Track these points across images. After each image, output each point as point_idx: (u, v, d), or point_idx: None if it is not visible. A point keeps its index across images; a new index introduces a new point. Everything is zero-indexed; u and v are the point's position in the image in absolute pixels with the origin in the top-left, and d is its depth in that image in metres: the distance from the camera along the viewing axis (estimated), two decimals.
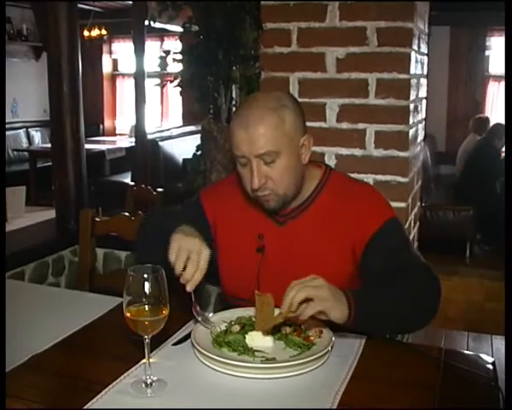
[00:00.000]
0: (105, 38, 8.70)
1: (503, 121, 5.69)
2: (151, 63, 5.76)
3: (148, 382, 1.24)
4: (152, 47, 7.75)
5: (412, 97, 2.32)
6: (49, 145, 3.95)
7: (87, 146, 4.03)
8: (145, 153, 6.01)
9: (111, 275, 2.66)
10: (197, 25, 2.85)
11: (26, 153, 7.49)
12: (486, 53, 7.45)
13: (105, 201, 4.23)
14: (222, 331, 1.45)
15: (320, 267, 1.58)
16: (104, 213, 3.02)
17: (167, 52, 3.03)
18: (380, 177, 2.32)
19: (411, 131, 2.35)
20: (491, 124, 6.20)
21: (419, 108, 2.55)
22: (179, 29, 3.08)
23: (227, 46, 2.73)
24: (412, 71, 2.29)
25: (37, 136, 8.58)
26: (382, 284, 1.49)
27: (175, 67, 2.96)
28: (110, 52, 9.46)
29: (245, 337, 1.39)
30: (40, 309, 1.72)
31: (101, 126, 9.37)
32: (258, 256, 1.64)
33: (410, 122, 2.32)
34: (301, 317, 1.31)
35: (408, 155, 2.31)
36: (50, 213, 3.56)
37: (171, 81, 2.98)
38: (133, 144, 6.54)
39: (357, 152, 2.34)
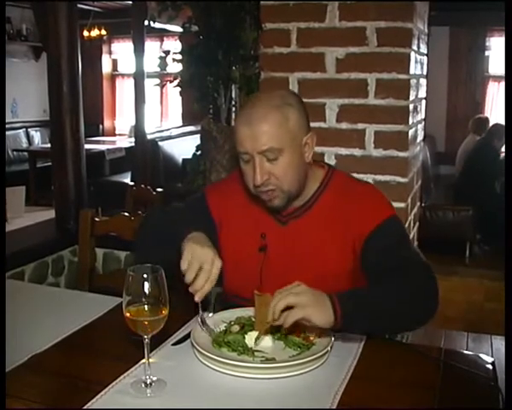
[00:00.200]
0: (105, 38, 8.71)
1: (502, 121, 5.70)
2: (151, 63, 5.76)
3: (148, 382, 1.24)
4: (152, 47, 7.75)
5: (412, 98, 2.32)
6: (49, 145, 3.96)
7: (87, 146, 4.03)
8: (145, 153, 6.01)
9: (110, 275, 2.66)
10: (197, 25, 2.85)
11: (25, 153, 7.48)
12: (486, 53, 7.45)
13: (105, 201, 4.24)
14: (221, 331, 1.45)
15: (322, 267, 1.58)
16: (104, 213, 3.03)
17: (167, 52, 3.03)
18: (379, 177, 2.32)
19: (411, 132, 2.36)
20: (491, 124, 6.20)
21: (418, 109, 2.55)
22: (179, 29, 3.08)
23: (227, 46, 2.73)
24: (412, 71, 2.29)
25: (36, 136, 8.58)
26: (376, 284, 1.49)
27: (175, 68, 2.96)
28: (110, 52, 9.46)
29: (244, 337, 1.39)
30: (40, 309, 1.72)
31: (100, 126, 9.37)
32: (261, 256, 1.64)
33: (410, 122, 2.32)
34: (284, 325, 1.31)
35: (407, 155, 2.31)
36: (50, 214, 3.57)
37: (171, 81, 2.98)
38: (133, 144, 6.54)
39: (357, 152, 2.34)
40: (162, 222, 1.70)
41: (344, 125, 2.35)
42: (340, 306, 1.31)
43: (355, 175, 1.80)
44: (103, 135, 9.16)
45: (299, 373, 1.28)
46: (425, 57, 2.63)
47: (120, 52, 9.40)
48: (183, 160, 5.56)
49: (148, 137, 6.17)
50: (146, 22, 3.82)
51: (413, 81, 2.33)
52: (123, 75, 9.46)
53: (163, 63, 3.04)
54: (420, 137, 2.65)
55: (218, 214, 1.72)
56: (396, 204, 2.19)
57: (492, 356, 1.49)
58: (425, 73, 2.67)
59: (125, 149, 7.53)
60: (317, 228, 1.61)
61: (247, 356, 1.33)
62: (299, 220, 1.63)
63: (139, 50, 5.88)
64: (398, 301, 1.41)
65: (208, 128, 2.79)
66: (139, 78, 5.96)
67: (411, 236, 2.55)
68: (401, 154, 2.30)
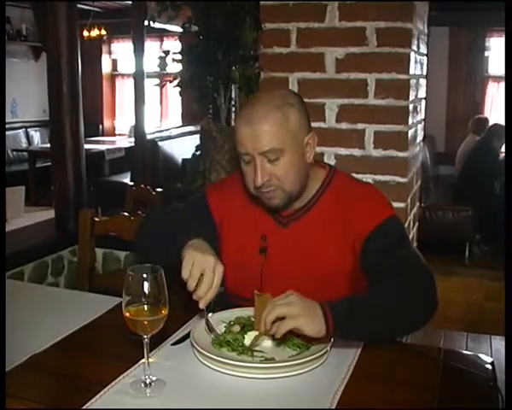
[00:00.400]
0: (104, 38, 8.71)
1: (502, 122, 5.70)
2: (150, 63, 5.77)
3: (148, 382, 1.24)
4: (151, 47, 7.75)
5: (411, 98, 2.32)
6: (49, 145, 3.95)
7: (86, 146, 4.03)
8: (144, 153, 6.01)
9: (110, 275, 2.66)
10: (197, 25, 2.86)
11: (25, 153, 7.49)
12: (486, 53, 7.45)
13: (104, 201, 4.24)
14: (222, 332, 1.45)
15: (323, 268, 1.58)
16: (103, 213, 3.03)
17: (167, 52, 3.03)
18: (379, 177, 2.32)
19: (410, 132, 2.36)
20: (490, 124, 6.20)
21: (418, 109, 2.55)
22: (179, 29, 3.09)
23: (226, 46, 2.73)
24: (411, 71, 2.29)
25: (36, 136, 8.58)
26: (375, 285, 1.48)
27: (174, 68, 2.96)
28: (109, 52, 9.46)
29: (244, 337, 1.39)
30: (39, 309, 1.72)
31: (100, 127, 9.38)
32: (261, 257, 1.63)
33: (410, 122, 2.33)
34: (276, 335, 1.30)
35: (407, 155, 2.31)
36: (50, 213, 3.57)
37: (171, 81, 2.98)
38: (132, 144, 6.54)
39: (357, 152, 2.34)
40: (162, 222, 1.69)
41: (344, 126, 2.35)
42: (331, 314, 1.30)
43: (355, 175, 1.80)
44: (103, 135, 9.16)
45: (298, 373, 1.28)
46: (425, 57, 2.63)
47: (120, 52, 9.40)
48: (183, 160, 5.56)
49: (148, 137, 6.17)
50: (146, 22, 3.83)
51: (413, 81, 2.34)
52: (123, 75, 9.47)
53: (163, 63, 3.04)
54: (419, 138, 2.65)
55: (218, 214, 1.72)
56: (395, 204, 2.19)
57: (492, 356, 1.49)
58: (425, 73, 2.67)
59: (125, 149, 7.54)
60: (318, 229, 1.61)
61: (247, 356, 1.33)
62: (299, 222, 1.62)
63: (139, 50, 5.88)
64: (397, 303, 1.40)
65: (208, 128, 2.80)
66: (139, 78, 5.96)
67: (411, 236, 2.55)
68: (401, 154, 2.30)
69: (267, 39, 2.43)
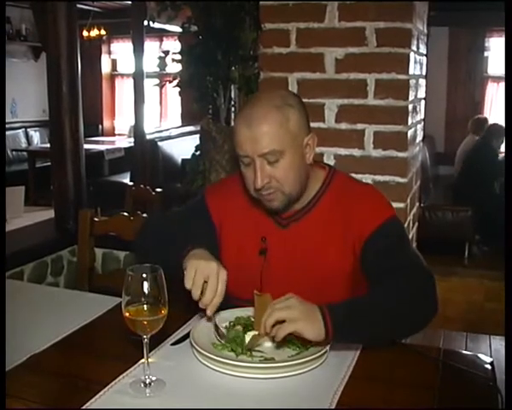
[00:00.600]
0: (104, 38, 8.71)
1: (501, 122, 5.71)
2: (150, 63, 5.77)
3: (147, 382, 1.24)
4: (151, 47, 7.75)
5: (411, 98, 2.33)
6: (48, 145, 3.96)
7: (86, 146, 4.03)
8: (144, 153, 6.01)
9: (110, 275, 2.66)
10: (196, 25, 2.85)
11: (24, 153, 7.50)
12: (485, 54, 7.46)
13: (104, 201, 4.24)
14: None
15: (323, 269, 1.58)
16: (103, 213, 3.03)
17: (166, 52, 3.03)
18: (378, 177, 2.32)
19: (410, 132, 2.36)
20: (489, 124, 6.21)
21: (418, 109, 2.55)
22: (178, 29, 3.08)
23: (226, 46, 2.73)
24: (411, 71, 2.29)
25: (35, 136, 8.58)
26: (375, 287, 1.48)
27: (174, 68, 2.96)
28: (109, 52, 9.46)
29: (245, 337, 1.39)
30: (39, 309, 1.72)
31: (100, 127, 9.38)
32: (261, 259, 1.63)
33: (409, 123, 2.33)
34: (275, 339, 1.30)
35: (407, 155, 2.31)
36: (49, 213, 3.57)
37: (170, 81, 2.98)
38: (132, 144, 6.54)
39: (356, 152, 2.34)
40: (162, 228, 1.69)
41: (343, 126, 2.35)
42: (330, 318, 1.29)
43: (354, 175, 1.80)
44: (102, 135, 9.17)
45: (298, 373, 1.28)
46: (424, 58, 2.63)
47: (120, 52, 9.40)
48: (183, 160, 5.56)
49: (148, 137, 6.17)
50: (145, 22, 3.83)
51: (412, 81, 2.34)
52: (122, 75, 9.47)
53: (162, 63, 3.04)
54: (419, 138, 2.66)
55: (218, 216, 1.71)
56: (395, 204, 2.19)
57: (491, 356, 1.49)
58: (424, 73, 2.67)
59: (125, 149, 7.54)
60: (318, 230, 1.60)
61: (246, 356, 1.33)
62: (299, 223, 1.62)
63: (138, 50, 5.88)
64: (397, 304, 1.39)
65: (207, 128, 2.79)
66: (138, 78, 5.96)
67: (410, 236, 2.55)
68: (400, 154, 2.30)
69: (267, 39, 2.43)
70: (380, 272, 1.50)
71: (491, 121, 6.33)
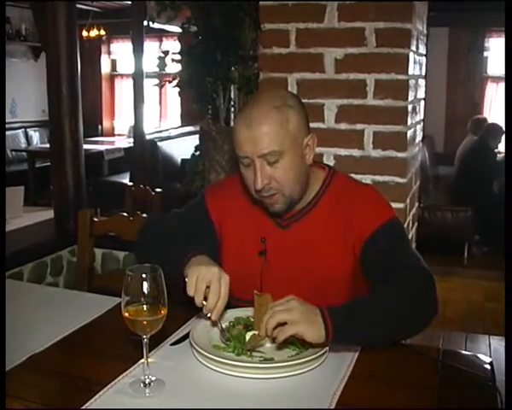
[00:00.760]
0: (104, 38, 8.72)
1: (500, 122, 5.71)
2: (150, 64, 5.77)
3: (147, 382, 1.24)
4: (151, 47, 7.75)
5: (410, 98, 2.33)
6: (48, 145, 3.96)
7: (86, 146, 4.03)
8: (144, 153, 6.01)
9: (109, 275, 2.67)
10: (196, 25, 2.86)
11: (24, 153, 7.50)
12: (485, 54, 7.46)
13: (103, 201, 4.24)
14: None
15: (323, 270, 1.57)
16: (103, 213, 3.02)
17: (166, 52, 3.03)
18: (378, 177, 2.32)
19: (409, 132, 2.36)
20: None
21: (417, 109, 2.55)
22: (178, 29, 3.08)
23: (226, 47, 2.73)
24: (410, 72, 2.29)
25: (35, 136, 8.59)
26: (375, 288, 1.48)
27: (174, 68, 2.96)
28: (109, 52, 9.47)
29: (245, 337, 1.39)
30: (39, 309, 1.72)
31: (99, 127, 9.38)
32: (261, 260, 1.63)
33: (409, 123, 2.33)
34: (276, 341, 1.30)
35: (406, 155, 2.31)
36: (49, 214, 3.57)
37: (170, 81, 2.98)
38: (132, 145, 6.55)
39: (356, 153, 2.34)
40: (162, 230, 1.69)
41: (343, 126, 2.35)
42: (330, 320, 1.29)
43: (354, 176, 1.80)
44: (102, 135, 9.17)
45: (297, 373, 1.28)
46: (424, 58, 2.64)
47: (119, 52, 9.41)
48: (182, 160, 5.56)
49: (147, 137, 6.18)
50: (145, 22, 3.84)
51: (412, 82, 2.34)
52: (122, 75, 9.47)
53: (162, 63, 3.04)
54: (418, 138, 2.66)
55: (217, 217, 1.71)
56: (395, 205, 2.19)
57: (490, 356, 1.49)
58: (424, 73, 2.67)
59: (124, 149, 7.55)
60: (318, 231, 1.60)
61: (246, 356, 1.33)
62: (299, 224, 1.62)
63: (138, 51, 5.89)
64: (397, 305, 1.39)
65: (207, 128, 2.80)
66: (138, 78, 5.97)
67: (410, 236, 2.55)
68: (400, 154, 2.30)
69: (266, 40, 2.43)
70: (380, 273, 1.50)
71: (490, 121, 6.33)
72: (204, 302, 1.39)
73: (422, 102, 2.69)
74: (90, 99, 8.48)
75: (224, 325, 1.44)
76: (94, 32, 8.22)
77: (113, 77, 9.57)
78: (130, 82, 6.79)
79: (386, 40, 2.25)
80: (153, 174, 5.91)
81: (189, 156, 3.16)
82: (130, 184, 5.20)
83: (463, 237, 5.39)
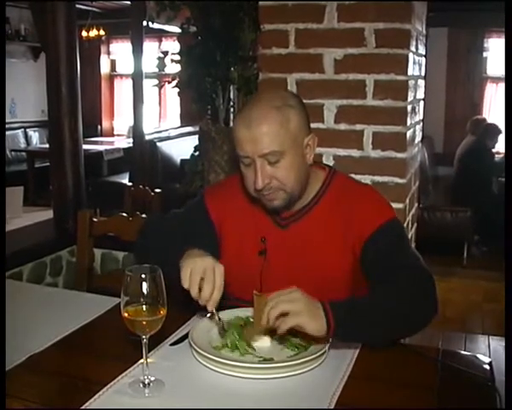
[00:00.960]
0: (103, 38, 8.72)
1: (500, 122, 5.71)
2: (149, 64, 5.77)
3: (146, 382, 1.24)
4: (150, 48, 7.75)
5: (410, 99, 2.33)
6: (47, 146, 3.96)
7: (85, 147, 4.04)
8: (143, 153, 6.01)
9: (109, 275, 2.67)
10: (195, 25, 2.86)
11: (23, 153, 7.50)
12: (484, 54, 7.46)
13: (103, 201, 4.25)
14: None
15: (323, 269, 1.58)
16: (102, 213, 3.03)
17: (165, 53, 3.03)
18: (377, 178, 2.32)
19: (409, 133, 2.36)
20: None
21: (417, 110, 2.55)
22: (177, 30, 3.08)
23: (225, 47, 2.73)
24: (410, 72, 2.29)
25: (35, 136, 8.58)
26: (375, 288, 1.48)
27: (173, 68, 2.96)
28: (108, 53, 9.47)
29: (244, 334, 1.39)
30: (38, 309, 1.72)
31: (99, 127, 9.38)
32: (261, 259, 1.63)
33: (408, 123, 2.33)
34: (278, 331, 1.30)
35: (405, 156, 2.31)
36: (48, 214, 3.57)
37: (169, 82, 2.98)
38: (131, 145, 6.54)
39: (355, 153, 2.35)
40: (162, 230, 1.69)
41: (342, 126, 2.35)
42: (332, 314, 1.30)
43: (353, 176, 1.80)
44: (101, 135, 9.16)
45: (297, 373, 1.28)
46: (423, 58, 2.64)
47: (119, 52, 9.41)
48: (182, 160, 5.57)
49: (147, 137, 6.17)
50: (144, 23, 3.84)
51: (411, 82, 2.34)
52: (121, 76, 9.47)
53: (161, 64, 3.04)
54: (418, 138, 2.66)
55: (217, 217, 1.71)
56: (394, 205, 2.18)
57: (490, 357, 1.49)
58: (423, 74, 2.67)
59: (124, 149, 7.54)
60: (318, 231, 1.60)
61: (243, 351, 1.34)
62: (299, 223, 1.62)
63: (137, 51, 5.89)
64: (397, 305, 1.40)
65: (206, 129, 2.80)
66: (137, 78, 5.96)
67: (409, 236, 2.55)
68: (399, 155, 2.30)
69: (266, 40, 2.43)
70: (380, 273, 1.50)
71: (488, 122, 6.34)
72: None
73: (422, 103, 2.69)
74: (89, 99, 8.47)
75: (220, 315, 1.44)
76: (93, 33, 8.22)
77: (112, 77, 9.57)
78: (129, 82, 6.79)
79: (386, 41, 2.25)
80: (152, 174, 5.91)
81: (188, 157, 3.16)
82: (130, 184, 5.20)
83: (463, 238, 5.39)
